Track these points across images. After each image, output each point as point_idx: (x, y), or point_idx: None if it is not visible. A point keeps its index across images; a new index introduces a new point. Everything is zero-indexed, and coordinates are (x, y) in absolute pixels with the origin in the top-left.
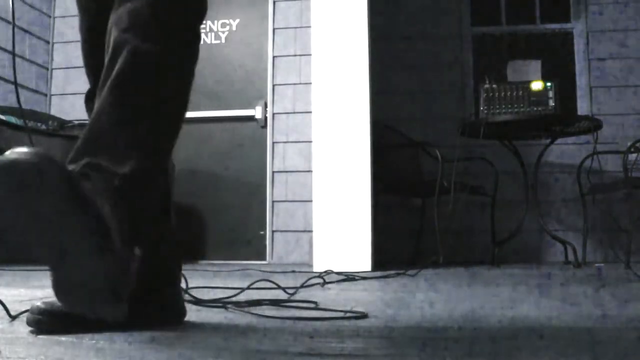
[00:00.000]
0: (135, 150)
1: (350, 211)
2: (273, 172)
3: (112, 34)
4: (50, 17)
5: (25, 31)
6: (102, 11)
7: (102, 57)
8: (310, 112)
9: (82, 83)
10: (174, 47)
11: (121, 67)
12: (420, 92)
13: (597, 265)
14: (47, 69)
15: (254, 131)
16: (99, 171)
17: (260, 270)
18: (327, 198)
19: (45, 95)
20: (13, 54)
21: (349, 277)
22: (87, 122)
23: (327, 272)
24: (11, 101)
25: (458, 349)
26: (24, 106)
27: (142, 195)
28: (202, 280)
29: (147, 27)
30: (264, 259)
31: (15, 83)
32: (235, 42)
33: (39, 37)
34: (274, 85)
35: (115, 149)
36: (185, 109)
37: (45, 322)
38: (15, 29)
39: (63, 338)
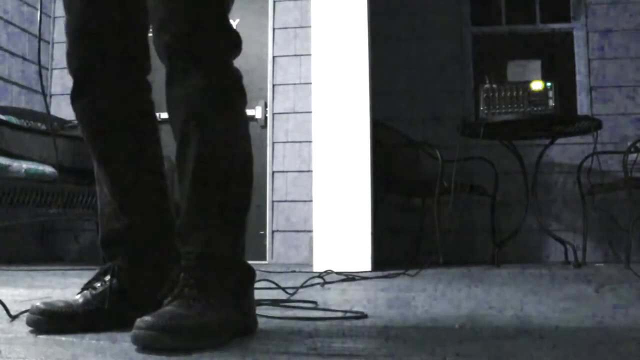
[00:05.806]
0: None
1: (350, 211)
2: (273, 172)
3: (176, 122)
4: (50, 17)
5: (26, 31)
6: (87, 10)
7: (86, 60)
8: (310, 112)
9: None
10: (229, 133)
11: (195, 166)
12: (420, 92)
13: (597, 265)
14: (47, 69)
15: (254, 131)
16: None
17: (260, 270)
18: (327, 198)
19: (46, 95)
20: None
21: (349, 277)
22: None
23: (327, 272)
24: (11, 101)
25: (458, 349)
26: (23, 106)
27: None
28: None
29: (204, 118)
30: (264, 258)
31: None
32: None
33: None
34: (274, 85)
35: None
36: (251, 180)
37: (45, 322)
38: (15, 29)
39: (63, 338)
